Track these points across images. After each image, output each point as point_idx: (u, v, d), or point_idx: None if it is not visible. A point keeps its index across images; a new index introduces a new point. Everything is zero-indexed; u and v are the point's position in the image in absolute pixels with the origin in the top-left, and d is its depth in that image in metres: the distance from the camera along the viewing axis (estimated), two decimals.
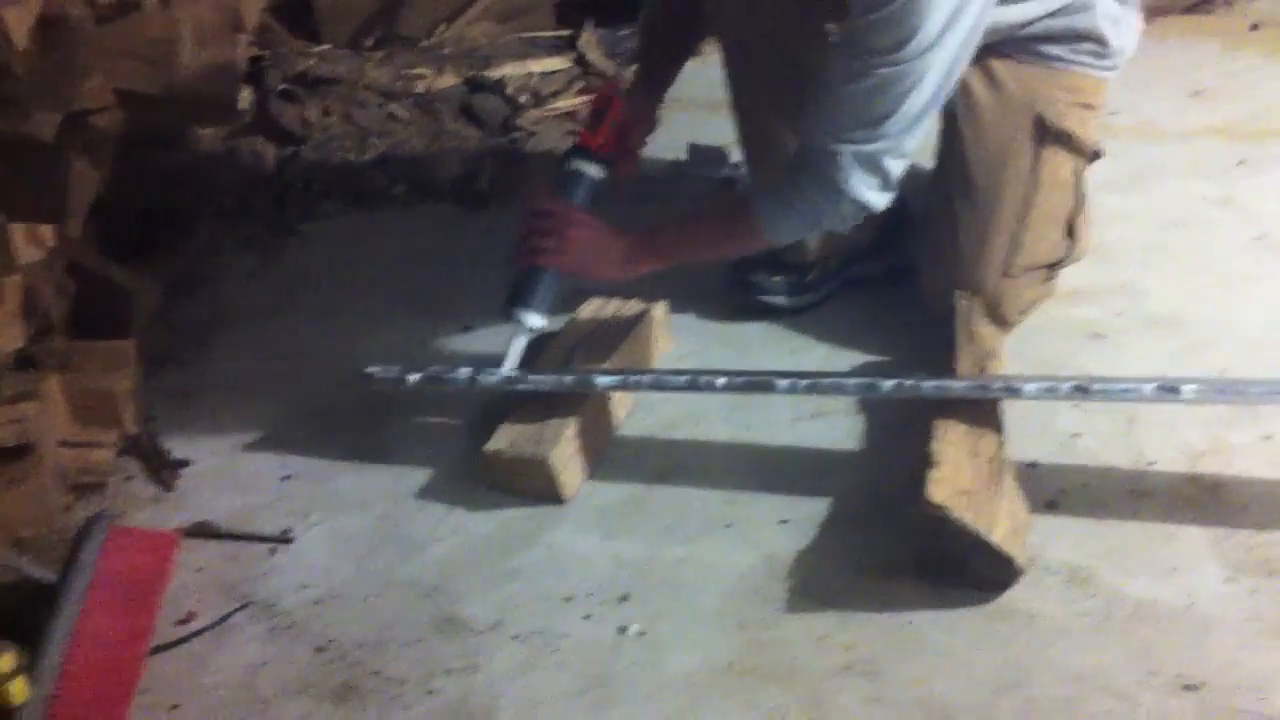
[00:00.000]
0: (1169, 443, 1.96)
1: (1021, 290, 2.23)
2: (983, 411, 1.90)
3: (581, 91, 3.37)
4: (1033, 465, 1.94)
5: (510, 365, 2.05)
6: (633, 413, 2.15)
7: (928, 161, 2.23)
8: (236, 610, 1.79)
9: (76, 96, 2.17)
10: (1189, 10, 3.53)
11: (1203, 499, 1.86)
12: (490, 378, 2.04)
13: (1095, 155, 2.24)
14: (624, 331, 2.18)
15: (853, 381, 1.98)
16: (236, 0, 2.72)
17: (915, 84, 1.85)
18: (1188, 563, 1.75)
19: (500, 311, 2.07)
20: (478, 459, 1.99)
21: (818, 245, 2.35)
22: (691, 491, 1.97)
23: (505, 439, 1.97)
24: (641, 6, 2.32)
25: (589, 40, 3.58)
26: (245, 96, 3.16)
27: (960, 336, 2.08)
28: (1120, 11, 2.18)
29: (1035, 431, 1.99)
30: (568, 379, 2.02)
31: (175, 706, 1.63)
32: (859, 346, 2.28)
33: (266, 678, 1.67)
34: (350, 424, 2.17)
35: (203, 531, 1.93)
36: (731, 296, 2.40)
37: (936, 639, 1.68)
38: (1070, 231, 2.24)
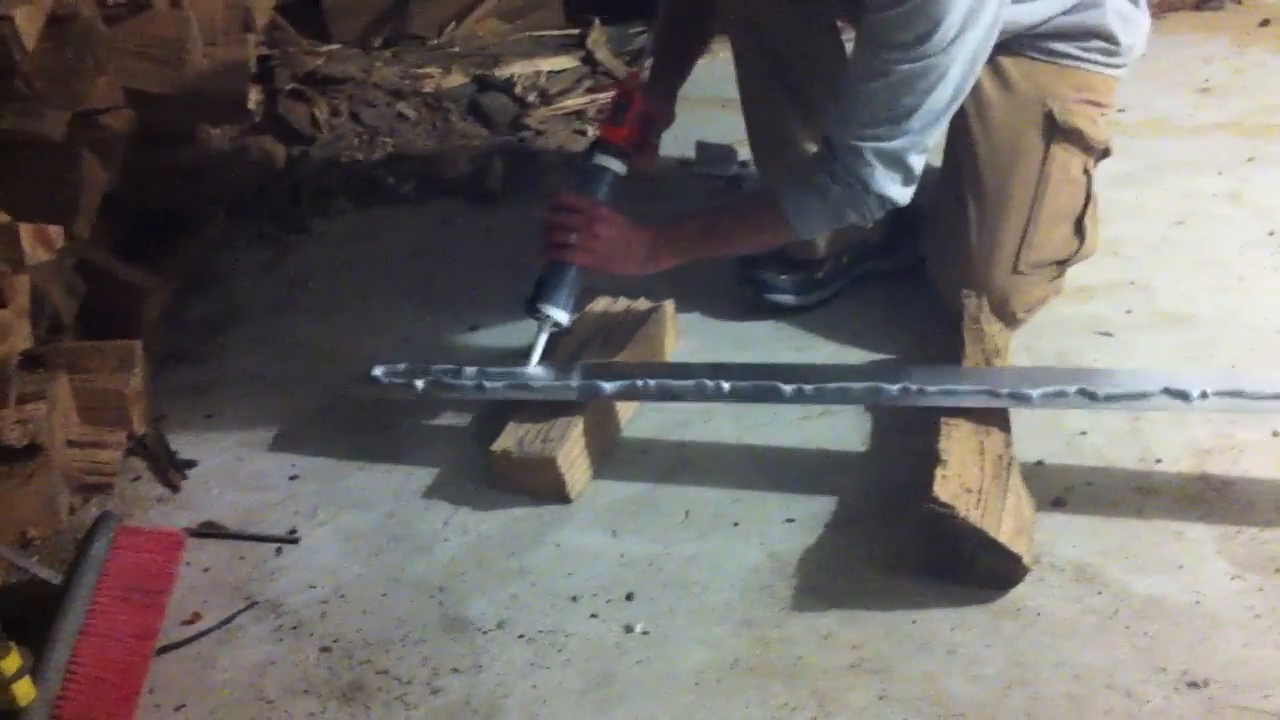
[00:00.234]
0: (1176, 440, 1.96)
1: (1030, 287, 2.23)
2: (989, 409, 1.89)
3: (590, 90, 3.37)
4: (1039, 463, 1.94)
5: (535, 361, 2.05)
6: (639, 412, 2.15)
7: (936, 159, 2.22)
8: (243, 610, 1.79)
9: (86, 95, 2.18)
10: (1198, 6, 3.53)
11: (1209, 496, 1.85)
12: (496, 384, 2.04)
13: (1105, 153, 2.23)
14: (632, 330, 2.18)
15: (858, 387, 1.97)
16: (246, 0, 2.74)
17: (939, 80, 1.86)
18: (1194, 560, 1.75)
19: (524, 308, 2.08)
20: (484, 458, 1.99)
21: (827, 242, 2.34)
22: (697, 490, 1.97)
23: (512, 438, 1.97)
24: (657, 2, 2.32)
25: (597, 39, 3.58)
26: (254, 96, 3.17)
27: (968, 334, 2.07)
28: (1130, 10, 2.18)
29: (1042, 429, 1.99)
30: (574, 385, 2.01)
31: (181, 706, 1.64)
32: (866, 344, 2.28)
33: (273, 677, 1.68)
34: (357, 423, 2.17)
35: (209, 531, 1.93)
36: (739, 294, 2.40)
37: (943, 637, 1.67)
38: (1079, 229, 2.24)
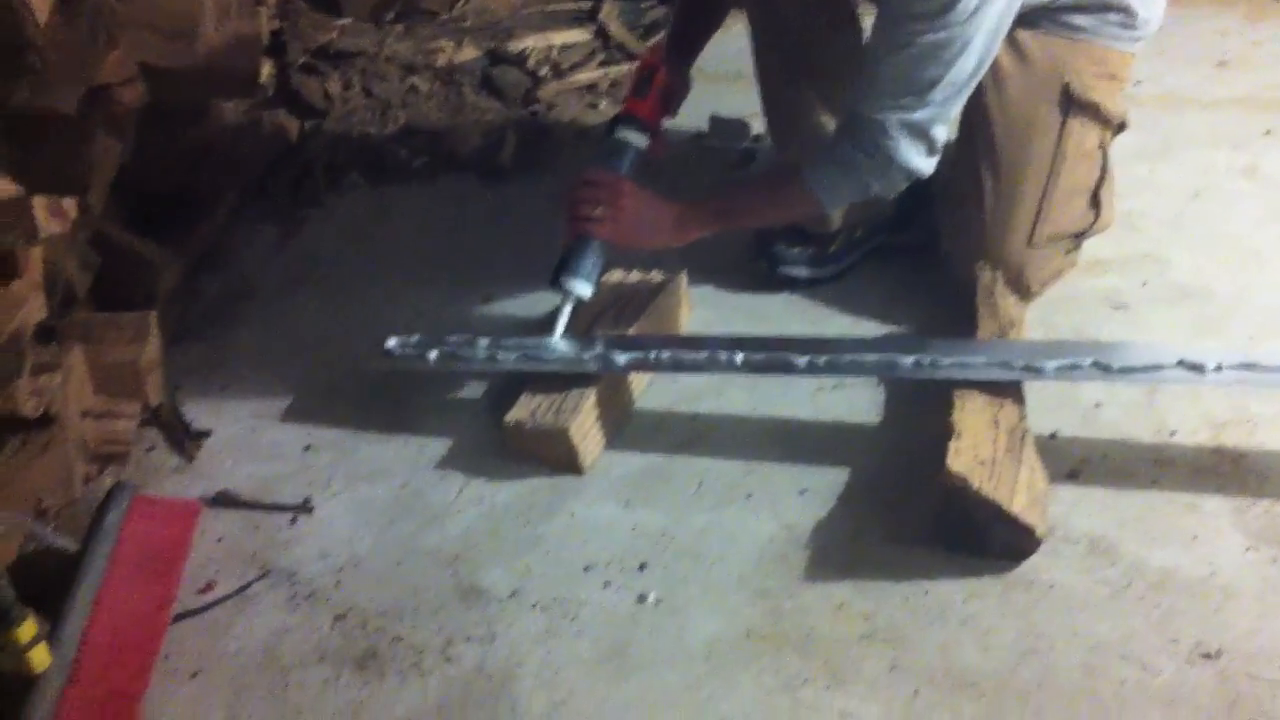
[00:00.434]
0: (1191, 412, 1.95)
1: (1045, 261, 2.22)
2: (1004, 382, 1.89)
3: (603, 64, 3.36)
4: (1053, 436, 1.93)
5: (559, 333, 2.05)
6: (652, 383, 2.14)
7: (952, 132, 2.21)
8: (257, 579, 1.80)
9: (98, 70, 2.18)
10: None
11: (1224, 469, 1.85)
12: (509, 355, 2.04)
13: (1121, 127, 2.22)
14: (646, 302, 2.18)
15: (871, 359, 1.97)
16: None
17: (962, 50, 1.86)
18: (1209, 532, 1.75)
19: (548, 283, 2.08)
20: (498, 429, 1.99)
21: (841, 216, 2.34)
22: (711, 462, 1.97)
23: (525, 409, 1.97)
24: None
25: (610, 12, 3.57)
26: (266, 70, 3.17)
27: (982, 307, 2.07)
28: None
29: (1056, 401, 1.99)
30: (587, 357, 2.01)
31: (196, 674, 1.65)
32: (880, 317, 2.27)
33: (287, 645, 1.68)
34: (371, 395, 2.18)
35: (224, 501, 1.94)
36: (753, 268, 2.39)
37: (956, 608, 1.68)
38: (1095, 202, 2.23)
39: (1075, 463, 1.88)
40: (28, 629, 1.51)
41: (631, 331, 2.11)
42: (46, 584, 1.64)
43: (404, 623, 1.71)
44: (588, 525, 1.86)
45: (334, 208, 2.86)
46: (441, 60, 3.38)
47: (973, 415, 1.81)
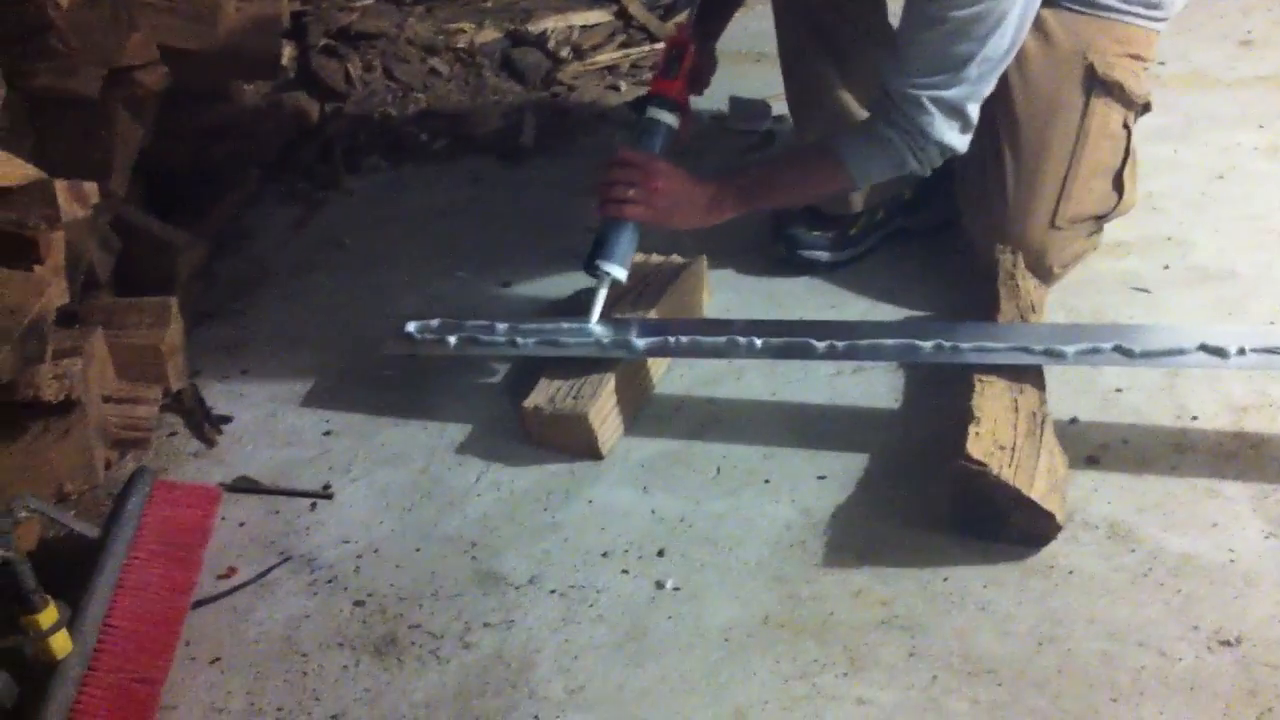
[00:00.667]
0: (1212, 397, 1.94)
1: (1067, 242, 2.21)
2: (1024, 366, 1.88)
3: (623, 45, 3.35)
4: (1074, 420, 1.93)
5: (595, 317, 2.05)
6: (671, 368, 2.14)
7: None
8: (277, 564, 1.80)
9: (120, 52, 2.18)
10: None
11: (1246, 454, 1.84)
12: (528, 340, 2.05)
13: (1145, 108, 2.21)
14: (665, 285, 2.17)
15: (890, 344, 1.96)
16: None
17: (995, 26, 1.86)
18: (1229, 518, 1.74)
19: (584, 267, 2.07)
20: (517, 414, 2.00)
21: (863, 198, 2.33)
22: (729, 447, 1.97)
23: (544, 395, 1.97)
24: None
25: None
26: (287, 52, 3.17)
27: (1003, 290, 2.06)
28: None
29: (1077, 386, 1.98)
30: (606, 342, 2.01)
31: (217, 659, 1.65)
32: (900, 300, 2.27)
33: (307, 631, 1.69)
34: (390, 379, 2.18)
35: (245, 486, 1.95)
36: (772, 251, 2.39)
37: (975, 594, 1.67)
38: (1118, 184, 2.22)
39: (1095, 448, 1.87)
40: (48, 615, 1.52)
41: (651, 315, 2.11)
42: (67, 570, 1.65)
43: (422, 608, 1.71)
44: (606, 511, 1.86)
45: (354, 190, 2.86)
46: (462, 41, 3.38)
47: (992, 400, 1.81)
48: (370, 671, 1.63)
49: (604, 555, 1.79)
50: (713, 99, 2.82)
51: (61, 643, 1.53)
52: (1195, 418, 1.91)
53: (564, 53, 3.32)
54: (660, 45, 3.32)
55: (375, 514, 1.89)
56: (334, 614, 1.72)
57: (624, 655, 1.63)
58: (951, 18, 1.86)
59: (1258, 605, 1.61)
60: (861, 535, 1.78)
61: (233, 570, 1.80)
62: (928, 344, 1.93)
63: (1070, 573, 1.68)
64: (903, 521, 1.79)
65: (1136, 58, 2.18)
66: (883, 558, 1.74)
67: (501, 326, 2.08)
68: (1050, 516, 1.68)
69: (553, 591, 1.73)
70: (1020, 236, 2.17)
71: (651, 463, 1.95)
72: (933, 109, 1.93)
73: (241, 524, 1.88)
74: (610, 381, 1.97)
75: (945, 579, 1.70)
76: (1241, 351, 1.81)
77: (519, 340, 2.06)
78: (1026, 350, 1.88)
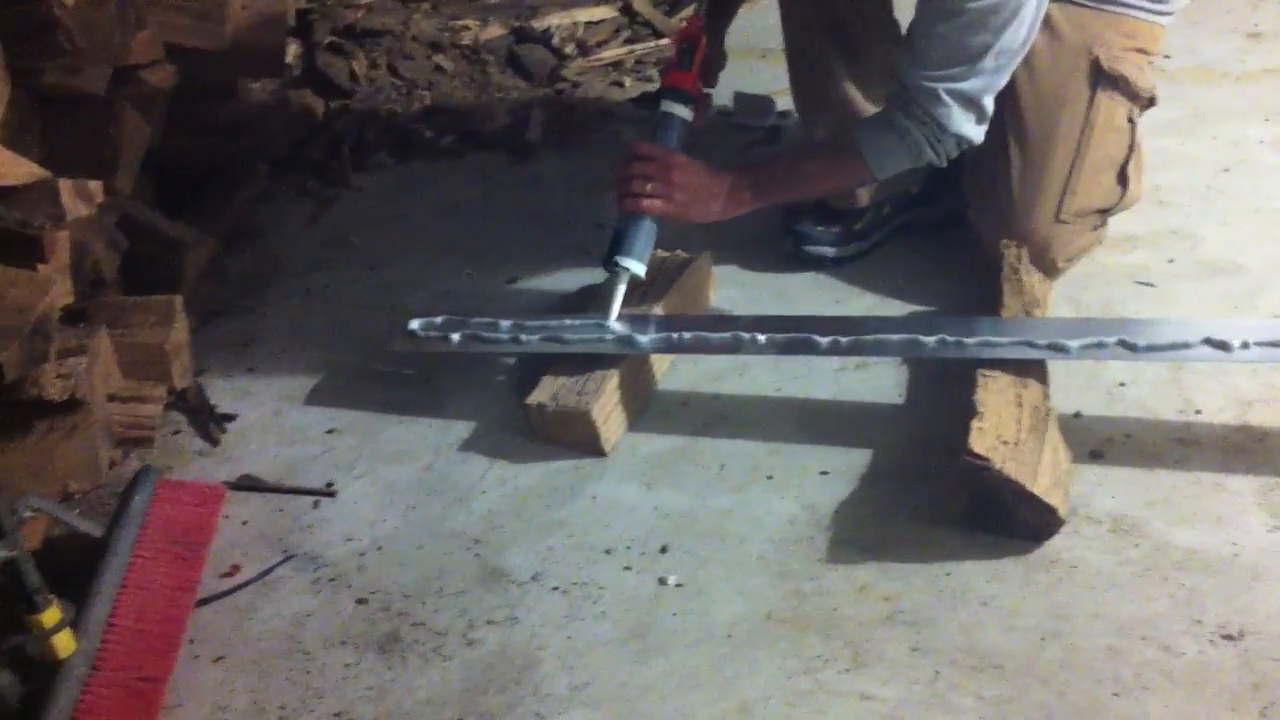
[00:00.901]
0: (1218, 390, 1.94)
1: (1072, 236, 2.20)
2: (1027, 361, 1.88)
3: (628, 41, 3.35)
4: (1078, 415, 1.92)
5: (614, 314, 2.04)
6: (675, 364, 2.14)
7: None
8: (281, 562, 1.80)
9: (126, 50, 2.19)
10: None
11: (1251, 448, 1.83)
12: (532, 336, 2.05)
13: (1150, 102, 2.20)
14: (670, 281, 2.17)
15: (895, 339, 1.96)
16: None
17: (1011, 16, 1.87)
18: (1234, 512, 1.73)
19: (603, 264, 2.07)
20: (521, 411, 2.00)
21: (869, 193, 2.33)
22: (733, 443, 1.97)
23: (547, 391, 1.97)
24: None
25: None
26: (293, 50, 3.18)
27: (1007, 285, 2.06)
28: None
29: (1081, 380, 1.97)
30: (610, 338, 2.01)
31: (221, 658, 1.66)
32: (906, 296, 2.27)
33: (311, 629, 1.69)
34: (395, 377, 2.18)
35: (249, 484, 1.95)
36: (778, 246, 2.39)
37: (979, 588, 1.67)
38: (1123, 178, 2.21)
39: (1099, 442, 1.87)
40: (52, 614, 1.52)
41: (657, 310, 2.11)
42: (72, 568, 1.65)
43: (426, 606, 1.72)
44: (610, 507, 1.86)
45: (361, 187, 2.86)
46: (467, 38, 3.37)
47: (996, 395, 1.80)
48: (374, 669, 1.63)
49: (608, 552, 1.79)
50: (718, 94, 2.79)
51: (65, 642, 1.53)
52: (1200, 412, 1.91)
53: (569, 49, 3.32)
54: (665, 40, 3.32)
55: (379, 511, 1.89)
56: (337, 612, 1.72)
57: (628, 652, 1.63)
58: (968, 9, 1.86)
59: (1262, 599, 1.61)
60: (866, 531, 1.78)
61: (236, 568, 1.80)
62: (932, 339, 1.92)
63: (1074, 567, 1.68)
64: (907, 517, 1.79)
65: (1142, 51, 2.18)
66: (887, 553, 1.74)
67: (505, 324, 2.08)
68: (1053, 511, 1.68)
69: (556, 588, 1.73)
70: (1025, 230, 2.16)
71: (655, 459, 1.95)
72: (950, 101, 1.94)
73: (245, 522, 1.88)
74: (614, 378, 1.97)
75: (949, 574, 1.69)
76: (1245, 345, 1.81)
77: (523, 337, 2.06)
78: (1030, 344, 1.88)
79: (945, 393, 1.96)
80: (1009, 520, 1.71)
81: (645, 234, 2.06)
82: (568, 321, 2.08)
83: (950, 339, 1.92)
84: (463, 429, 2.05)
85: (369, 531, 1.86)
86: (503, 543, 1.82)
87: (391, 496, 1.92)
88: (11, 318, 1.72)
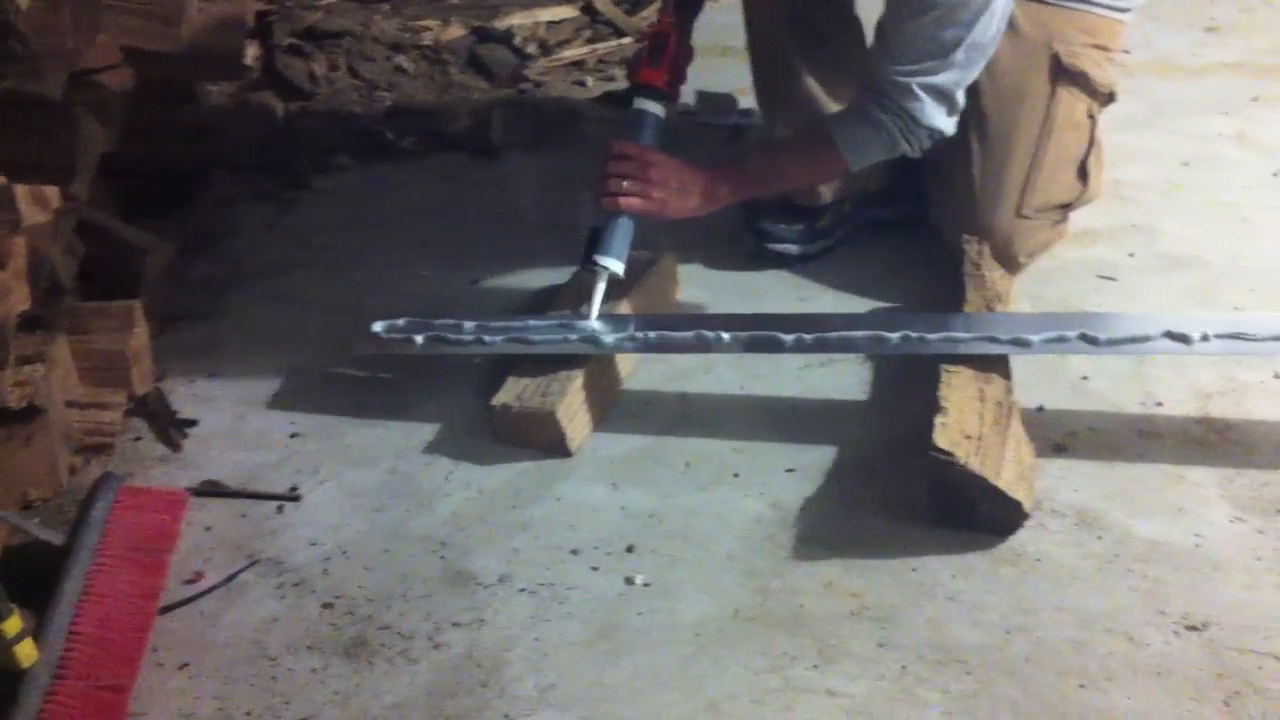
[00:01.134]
0: (1179, 383, 1.96)
1: (1033, 232, 2.22)
2: (990, 356, 1.88)
3: (590, 40, 3.35)
4: (1040, 409, 1.93)
5: (595, 313, 2.03)
6: (641, 364, 2.14)
7: None
8: (245, 568, 1.79)
9: (83, 54, 2.16)
10: None
11: (1211, 440, 1.85)
12: (496, 338, 2.04)
13: (1110, 98, 2.22)
14: (634, 280, 2.17)
15: (859, 336, 1.97)
16: None
17: (982, 9, 1.89)
18: (1196, 504, 1.75)
19: (581, 264, 2.07)
20: (486, 413, 1.99)
21: (832, 190, 2.34)
22: (699, 442, 1.97)
23: (512, 392, 1.96)
24: None
25: None
26: (252, 52, 3.16)
27: (969, 280, 2.07)
28: None
29: (1044, 375, 1.99)
30: (573, 339, 2.01)
31: (185, 665, 1.64)
32: (870, 292, 2.27)
33: (276, 635, 1.68)
34: (359, 380, 2.17)
35: (211, 490, 1.93)
36: (742, 244, 2.39)
37: (945, 583, 1.67)
38: (1083, 173, 2.23)
39: (1062, 436, 1.88)
40: (13, 624, 1.50)
41: (622, 310, 2.10)
42: (33, 577, 1.63)
43: (392, 609, 1.70)
44: (576, 508, 1.86)
45: (323, 189, 2.85)
46: (428, 39, 3.37)
47: (959, 390, 1.81)
48: (340, 674, 1.62)
49: (574, 552, 1.78)
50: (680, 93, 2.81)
51: (27, 651, 1.51)
52: (1161, 404, 1.92)
53: (531, 49, 3.32)
54: (627, 40, 3.32)
55: (343, 515, 1.88)
56: (303, 617, 1.71)
57: (595, 652, 1.63)
58: (940, 3, 1.87)
59: (1224, 589, 1.62)
60: (831, 527, 1.78)
61: (200, 575, 1.78)
62: (895, 335, 1.93)
63: (1039, 560, 1.69)
64: (872, 513, 1.80)
65: (1101, 48, 2.19)
66: (853, 549, 1.74)
67: (469, 325, 2.07)
68: (1017, 505, 1.69)
69: (523, 590, 1.73)
70: (987, 226, 2.18)
71: (621, 459, 1.95)
72: (923, 95, 1.95)
73: (208, 528, 1.86)
74: (578, 378, 1.97)
75: (915, 569, 1.70)
76: (1205, 338, 1.82)
77: (487, 338, 2.05)
78: (993, 340, 1.89)
79: (909, 389, 1.97)
80: (974, 515, 1.72)
81: (623, 233, 2.06)
82: (532, 322, 2.08)
83: (914, 335, 1.92)
84: (427, 431, 2.04)
85: (333, 536, 1.84)
86: (468, 545, 1.81)
87: (356, 500, 1.91)
88: None
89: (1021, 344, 1.87)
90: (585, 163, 2.76)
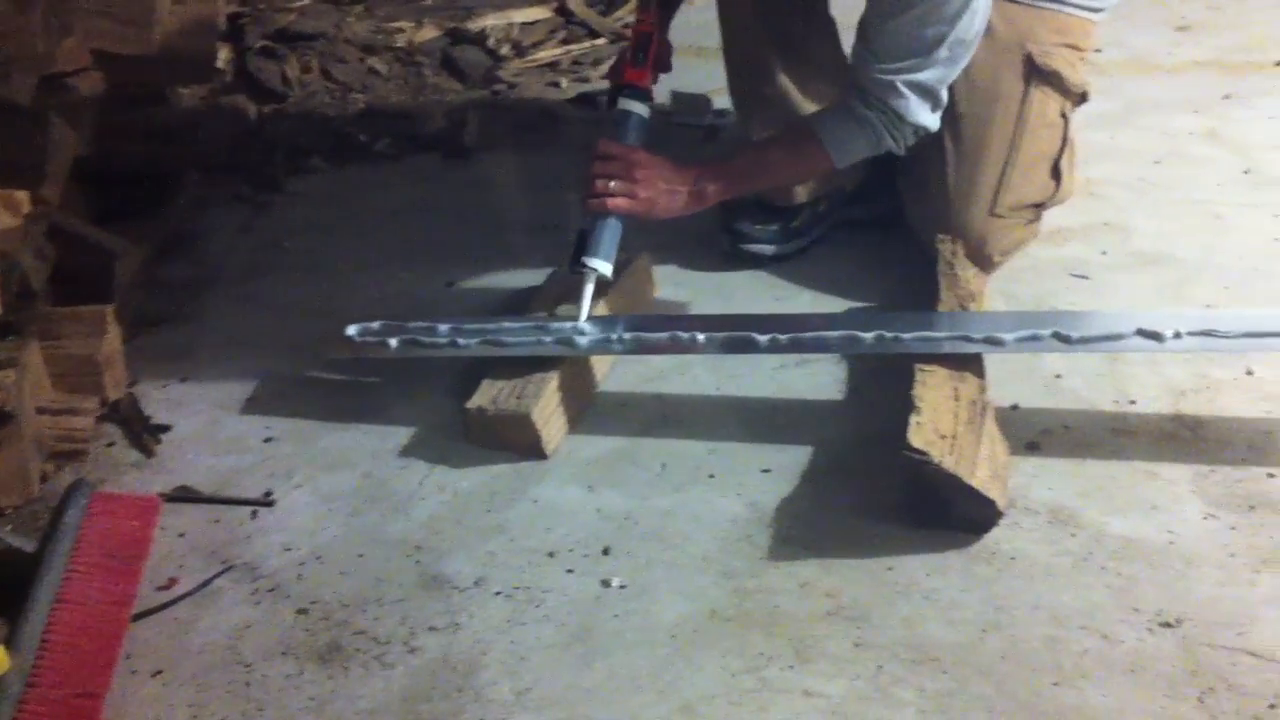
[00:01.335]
0: (1152, 381, 1.96)
1: (1007, 230, 2.22)
2: (965, 355, 1.89)
3: (564, 41, 3.35)
4: (1014, 407, 1.94)
5: (584, 315, 2.03)
6: (616, 365, 2.14)
7: None
8: (219, 574, 1.78)
9: (53, 59, 2.15)
10: None
11: (1184, 436, 1.86)
12: (470, 340, 2.03)
13: (1082, 98, 2.23)
14: (609, 282, 2.16)
15: (833, 336, 1.97)
16: None
17: (964, 6, 1.89)
18: (1169, 500, 1.76)
19: (569, 267, 2.06)
20: (461, 416, 1.98)
21: (805, 190, 2.34)
22: (675, 443, 1.97)
23: (487, 395, 1.96)
24: None
25: None
26: (224, 54, 3.14)
27: (942, 279, 2.07)
28: None
29: (1018, 373, 1.99)
30: (548, 340, 2.01)
31: (159, 672, 1.63)
32: (846, 292, 2.28)
33: (250, 640, 1.67)
34: (333, 384, 2.16)
35: (184, 496, 1.92)
36: (717, 245, 2.39)
37: (920, 582, 1.68)
38: (1056, 172, 2.24)
39: (1036, 434, 1.89)
40: None
41: (597, 311, 2.10)
42: (5, 585, 1.63)
43: (367, 614, 1.70)
44: (551, 510, 1.86)
45: (297, 192, 2.84)
46: (401, 41, 3.36)
47: (933, 389, 1.81)
48: (315, 680, 1.61)
49: (550, 555, 1.78)
50: (654, 93, 2.81)
51: None
52: (1134, 402, 1.93)
53: (504, 50, 3.31)
54: (601, 40, 3.32)
55: (318, 520, 1.87)
56: (277, 623, 1.70)
57: (572, 655, 1.62)
58: (921, 1, 1.87)
59: (1198, 586, 1.63)
60: (807, 527, 1.79)
61: (174, 581, 1.77)
62: (869, 335, 1.93)
63: (1013, 559, 1.69)
64: (847, 512, 1.80)
65: (1074, 48, 2.20)
66: (828, 549, 1.74)
67: (444, 327, 2.07)
68: (992, 503, 1.69)
69: (498, 593, 1.72)
70: (961, 225, 2.18)
71: (597, 461, 1.95)
72: (907, 92, 1.96)
73: (182, 534, 1.85)
74: (553, 380, 1.96)
75: (890, 568, 1.70)
76: (1178, 335, 1.83)
77: (461, 341, 2.04)
78: (967, 339, 1.89)
79: (884, 388, 1.97)
80: (948, 513, 1.72)
81: (611, 234, 2.05)
82: (507, 324, 2.07)
83: (888, 335, 1.92)
84: (402, 435, 2.03)
85: (308, 541, 1.84)
86: (444, 549, 1.81)
87: (330, 505, 1.90)
88: None
89: (995, 343, 1.88)
90: (561, 164, 2.77)
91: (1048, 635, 1.58)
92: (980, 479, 1.69)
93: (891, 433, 1.76)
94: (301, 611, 1.71)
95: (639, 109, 2.12)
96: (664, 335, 2.00)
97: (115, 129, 2.48)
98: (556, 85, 3.15)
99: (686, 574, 1.73)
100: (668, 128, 2.87)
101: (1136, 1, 3.04)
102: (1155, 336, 1.83)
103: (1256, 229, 2.34)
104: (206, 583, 1.77)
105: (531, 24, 3.44)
